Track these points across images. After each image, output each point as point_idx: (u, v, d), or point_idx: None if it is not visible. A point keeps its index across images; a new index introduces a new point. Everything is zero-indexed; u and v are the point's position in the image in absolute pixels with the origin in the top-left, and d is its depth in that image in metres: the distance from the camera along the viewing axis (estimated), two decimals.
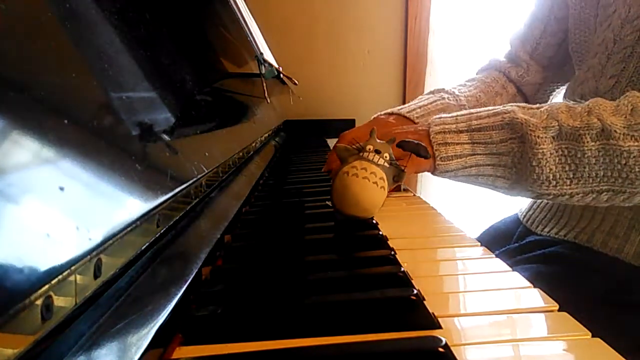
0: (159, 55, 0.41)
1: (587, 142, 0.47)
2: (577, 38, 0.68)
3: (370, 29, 1.60)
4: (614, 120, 0.47)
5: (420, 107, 0.69)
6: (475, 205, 1.62)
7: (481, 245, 0.44)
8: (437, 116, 0.56)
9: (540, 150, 0.48)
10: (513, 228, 0.80)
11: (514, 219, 0.83)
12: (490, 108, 0.54)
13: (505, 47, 0.83)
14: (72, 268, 0.19)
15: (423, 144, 0.48)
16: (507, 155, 0.50)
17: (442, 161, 0.51)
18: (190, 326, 0.28)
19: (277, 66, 0.86)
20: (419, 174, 0.57)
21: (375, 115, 0.69)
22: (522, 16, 0.80)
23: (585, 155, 0.48)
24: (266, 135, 0.94)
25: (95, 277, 0.22)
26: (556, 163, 0.48)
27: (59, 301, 0.18)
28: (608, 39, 0.59)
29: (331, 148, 0.67)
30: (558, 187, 0.49)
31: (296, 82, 1.02)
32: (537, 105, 0.53)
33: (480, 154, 0.51)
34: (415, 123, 0.64)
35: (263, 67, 0.72)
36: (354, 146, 0.45)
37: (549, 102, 0.53)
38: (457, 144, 0.52)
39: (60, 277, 0.18)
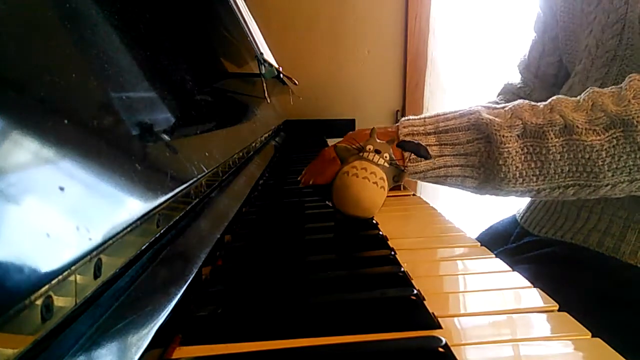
0: (159, 55, 0.41)
1: (551, 138, 0.48)
2: (568, 49, 0.71)
3: (370, 29, 1.60)
4: (576, 116, 0.48)
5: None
6: (475, 206, 1.62)
7: (481, 245, 0.44)
8: (405, 118, 0.57)
9: (506, 149, 0.49)
10: (511, 229, 0.80)
11: (512, 220, 0.83)
12: (456, 110, 0.55)
13: (515, 72, 0.90)
14: (72, 268, 0.19)
15: (423, 144, 0.48)
16: (474, 156, 0.51)
17: (411, 163, 0.52)
18: (190, 326, 0.28)
19: (277, 66, 0.86)
20: None
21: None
22: (526, 45, 0.86)
23: (550, 152, 0.48)
24: (266, 135, 0.94)
25: (95, 277, 0.21)
26: (522, 161, 0.49)
27: (59, 301, 0.18)
28: (591, 44, 0.61)
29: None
30: (525, 184, 0.50)
31: (296, 82, 1.02)
32: (502, 105, 0.54)
33: (448, 155, 0.52)
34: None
35: (263, 67, 0.72)
36: (354, 146, 0.45)
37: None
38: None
39: (60, 277, 0.18)
